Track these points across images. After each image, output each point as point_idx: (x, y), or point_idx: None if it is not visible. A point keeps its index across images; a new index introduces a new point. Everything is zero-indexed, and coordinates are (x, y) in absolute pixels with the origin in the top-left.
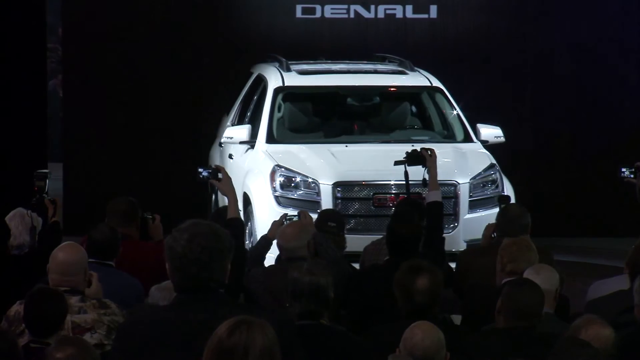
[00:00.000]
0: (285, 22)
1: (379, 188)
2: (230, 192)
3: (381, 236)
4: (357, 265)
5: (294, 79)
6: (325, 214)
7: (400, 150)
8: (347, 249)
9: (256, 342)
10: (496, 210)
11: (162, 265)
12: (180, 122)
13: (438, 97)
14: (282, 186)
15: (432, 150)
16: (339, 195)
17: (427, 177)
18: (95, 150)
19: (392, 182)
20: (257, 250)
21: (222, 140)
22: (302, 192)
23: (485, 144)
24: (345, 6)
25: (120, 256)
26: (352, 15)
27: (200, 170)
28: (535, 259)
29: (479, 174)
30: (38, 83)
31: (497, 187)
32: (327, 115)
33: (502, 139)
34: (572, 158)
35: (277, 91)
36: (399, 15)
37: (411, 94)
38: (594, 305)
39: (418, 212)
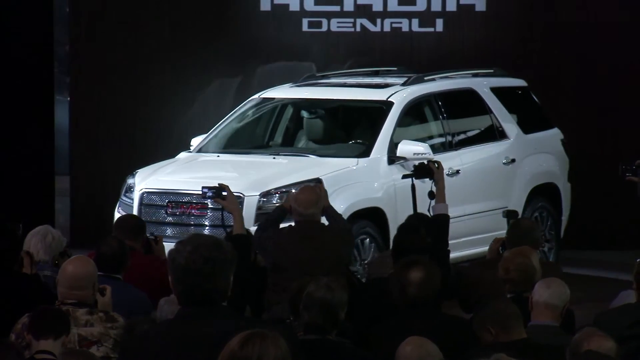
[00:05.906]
0: (291, 35)
1: (173, 196)
2: (235, 209)
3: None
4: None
5: (274, 92)
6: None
7: (272, 163)
8: None
9: (269, 354)
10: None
11: (167, 278)
12: (189, 135)
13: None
14: (126, 191)
15: (439, 163)
16: (144, 201)
17: (434, 189)
18: (103, 163)
19: (186, 192)
20: (272, 218)
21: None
22: (132, 198)
23: (405, 160)
24: (352, 20)
25: (127, 268)
26: (358, 28)
27: (205, 191)
28: (527, 266)
29: (284, 186)
30: (45, 95)
31: None
32: (275, 126)
33: (428, 156)
34: (580, 168)
35: (248, 102)
36: (405, 28)
37: (365, 107)
38: (601, 318)
39: (423, 226)
